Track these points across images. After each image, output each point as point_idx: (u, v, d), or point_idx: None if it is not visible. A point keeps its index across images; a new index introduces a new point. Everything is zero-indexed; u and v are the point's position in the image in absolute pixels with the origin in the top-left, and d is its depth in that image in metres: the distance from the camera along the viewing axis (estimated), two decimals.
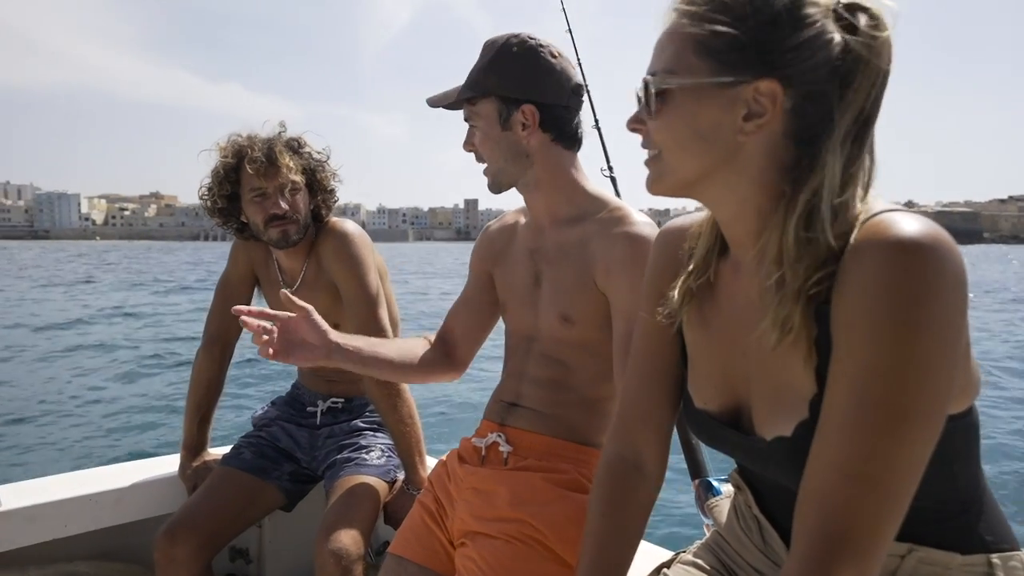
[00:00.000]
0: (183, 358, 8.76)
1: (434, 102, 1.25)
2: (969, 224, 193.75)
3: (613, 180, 1.68)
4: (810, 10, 0.67)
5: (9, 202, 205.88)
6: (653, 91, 0.73)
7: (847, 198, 0.67)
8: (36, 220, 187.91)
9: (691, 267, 0.85)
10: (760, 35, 0.68)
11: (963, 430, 0.73)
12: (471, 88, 1.21)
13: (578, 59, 1.61)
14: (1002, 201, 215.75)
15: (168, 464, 1.83)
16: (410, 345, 1.39)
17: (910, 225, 0.63)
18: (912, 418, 0.62)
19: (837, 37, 0.67)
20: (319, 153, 1.74)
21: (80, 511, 1.63)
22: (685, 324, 0.89)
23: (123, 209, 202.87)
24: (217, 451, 1.86)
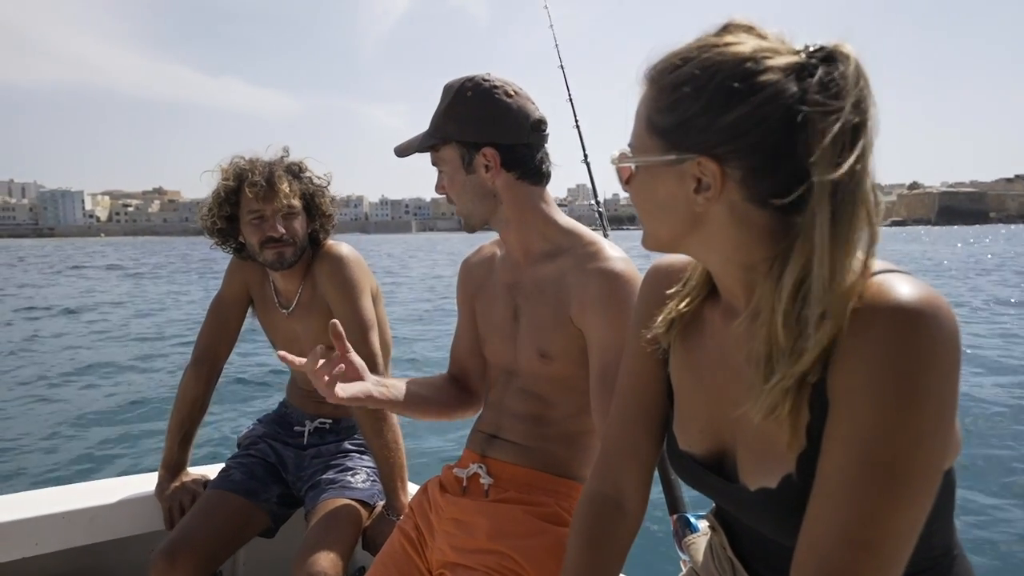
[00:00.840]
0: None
1: (400, 150, 1.27)
2: (975, 204, 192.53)
3: (600, 215, 1.68)
4: (759, 79, 0.66)
5: (13, 200, 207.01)
6: (617, 169, 0.79)
7: (843, 269, 0.64)
8: (41, 218, 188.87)
9: (682, 291, 0.86)
10: (695, 115, 0.69)
11: (942, 489, 0.72)
12: (432, 136, 1.22)
13: (569, 96, 1.61)
14: (1008, 180, 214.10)
15: (144, 483, 1.81)
16: (438, 384, 1.40)
17: (907, 291, 0.63)
18: (912, 483, 0.63)
19: (786, 103, 0.65)
20: (319, 178, 1.76)
21: (52, 529, 1.60)
22: (672, 365, 0.89)
23: (127, 205, 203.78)
24: (196, 470, 1.84)
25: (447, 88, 1.23)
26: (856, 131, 0.64)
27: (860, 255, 0.65)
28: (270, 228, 1.66)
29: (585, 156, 1.69)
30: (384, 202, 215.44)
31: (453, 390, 1.41)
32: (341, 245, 1.75)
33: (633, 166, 0.77)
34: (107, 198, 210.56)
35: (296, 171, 1.72)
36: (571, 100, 1.64)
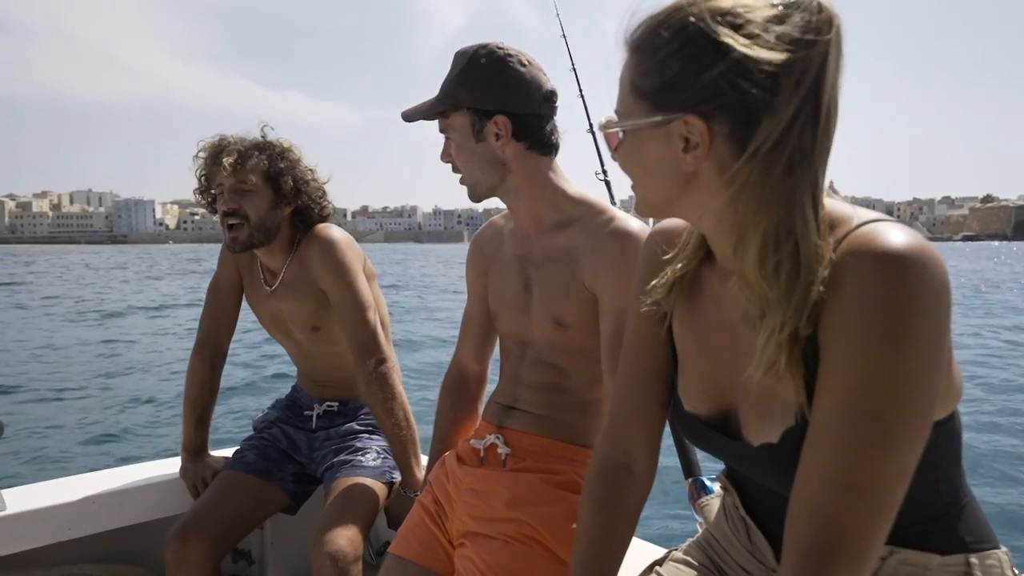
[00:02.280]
0: None
1: (408, 115, 1.26)
2: None
3: (607, 184, 1.68)
4: (736, 33, 0.67)
5: (91, 208, 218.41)
6: (604, 136, 0.79)
7: (804, 214, 0.67)
8: (115, 226, 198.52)
9: (680, 254, 0.86)
10: (678, 74, 0.70)
11: (946, 436, 0.74)
12: (442, 102, 1.22)
13: (572, 65, 1.63)
14: None
15: (170, 466, 1.85)
16: (456, 412, 1.45)
17: (895, 237, 0.64)
18: (900, 428, 0.64)
19: (766, 56, 0.66)
20: (298, 161, 1.72)
21: (83, 514, 1.64)
22: (675, 328, 0.90)
23: (193, 214, 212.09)
24: (218, 453, 1.88)
25: (459, 54, 1.22)
26: (816, 76, 0.66)
27: (811, 199, 0.67)
28: (222, 202, 1.66)
29: (591, 126, 1.68)
30: (437, 212, 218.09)
31: (462, 396, 1.45)
32: (331, 228, 1.74)
33: (620, 132, 0.77)
34: (175, 207, 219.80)
35: (268, 150, 1.68)
36: (575, 70, 1.65)
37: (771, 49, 0.66)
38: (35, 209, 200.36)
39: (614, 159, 0.80)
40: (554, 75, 1.27)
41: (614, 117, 0.78)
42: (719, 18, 0.67)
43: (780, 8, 0.67)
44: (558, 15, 1.88)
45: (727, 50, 0.67)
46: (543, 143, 1.23)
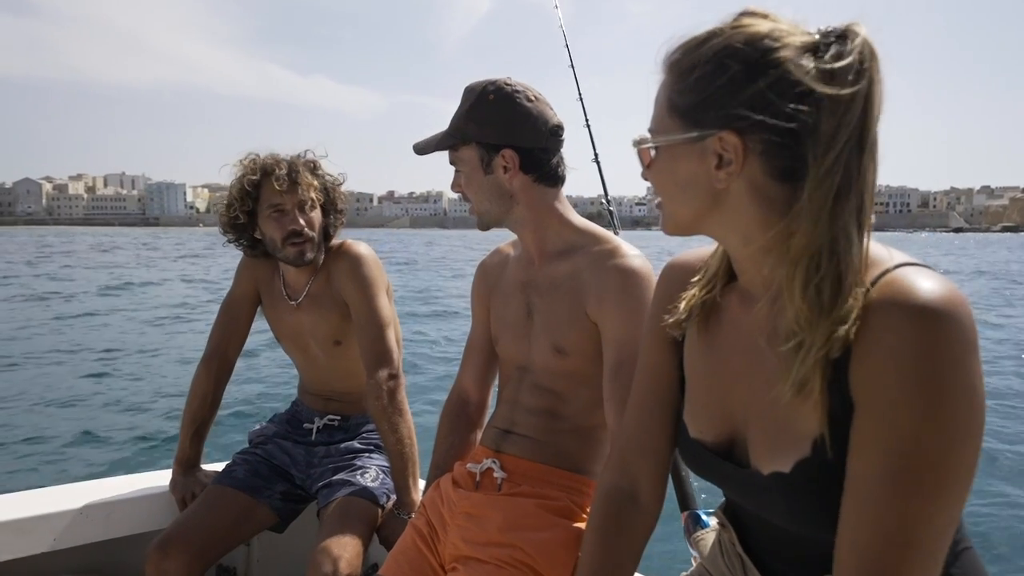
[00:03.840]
0: None
1: (419, 148, 1.31)
2: None
3: (611, 212, 1.70)
4: (773, 56, 0.70)
5: (124, 191, 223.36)
6: (639, 152, 0.81)
7: (848, 240, 0.68)
8: (147, 208, 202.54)
9: (701, 283, 0.87)
10: (715, 92, 0.72)
11: None
12: (452, 136, 1.26)
13: (579, 95, 1.63)
14: None
15: (160, 479, 1.82)
16: (455, 436, 1.46)
17: (929, 288, 0.65)
18: (951, 481, 0.65)
19: (802, 79, 0.68)
20: (331, 176, 1.81)
21: (70, 525, 1.61)
22: (687, 352, 0.90)
23: (223, 198, 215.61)
24: (210, 467, 1.86)
25: (469, 90, 1.27)
26: (863, 106, 0.68)
27: (855, 232, 0.68)
28: (291, 221, 1.69)
29: (596, 155, 1.70)
30: (462, 198, 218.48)
31: (462, 424, 1.46)
32: (359, 244, 1.79)
33: (653, 150, 0.79)
34: (206, 191, 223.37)
35: (312, 167, 1.76)
36: (581, 99, 1.67)
37: (806, 74, 0.68)
38: (71, 191, 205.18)
39: (644, 178, 0.83)
40: (561, 106, 1.30)
41: (647, 136, 0.80)
42: (759, 40, 0.70)
43: (818, 36, 0.70)
44: (567, 45, 1.89)
45: (763, 69, 0.70)
46: (549, 175, 1.27)
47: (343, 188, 1.83)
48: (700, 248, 0.94)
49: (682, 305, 0.88)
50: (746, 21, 0.72)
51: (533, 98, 1.25)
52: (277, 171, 1.68)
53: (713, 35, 0.73)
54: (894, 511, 0.65)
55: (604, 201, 1.67)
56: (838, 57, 0.68)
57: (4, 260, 27.77)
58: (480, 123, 1.23)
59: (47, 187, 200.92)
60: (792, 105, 0.68)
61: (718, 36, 0.73)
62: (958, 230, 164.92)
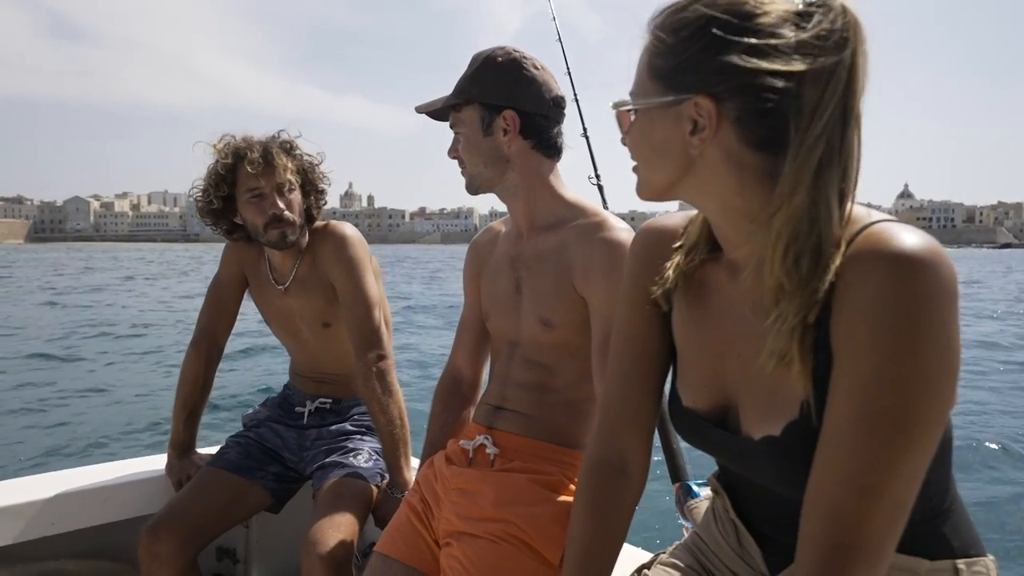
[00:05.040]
0: None
1: (422, 109, 1.30)
2: None
3: (600, 188, 1.70)
4: (753, 22, 0.70)
5: (167, 208, 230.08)
6: (617, 115, 0.81)
7: (829, 209, 0.68)
8: (188, 225, 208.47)
9: (685, 249, 0.86)
10: (692, 55, 0.73)
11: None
12: (456, 96, 1.26)
13: (568, 69, 1.65)
14: None
15: (156, 463, 1.83)
16: (448, 414, 1.46)
17: (908, 239, 0.65)
18: (916, 429, 0.65)
19: (782, 47, 0.68)
20: (309, 156, 1.77)
21: (67, 509, 1.62)
22: (676, 323, 0.90)
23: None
24: (204, 450, 1.86)
25: (476, 55, 1.27)
26: (846, 77, 0.67)
27: (837, 196, 0.68)
28: (271, 205, 1.66)
29: (584, 130, 1.70)
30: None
31: (455, 400, 1.46)
32: (344, 225, 1.77)
33: (633, 113, 0.79)
34: None
35: (288, 148, 1.72)
36: (569, 73, 1.67)
37: (786, 42, 0.68)
38: (117, 209, 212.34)
39: (624, 143, 0.82)
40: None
41: (627, 99, 0.80)
42: (740, 6, 0.70)
43: (800, 5, 0.69)
44: (554, 19, 1.89)
45: (741, 35, 0.69)
46: (548, 144, 1.27)
47: (322, 168, 1.79)
48: (676, 213, 0.93)
49: (669, 273, 0.86)
50: None
51: (539, 66, 1.26)
52: (251, 154, 1.65)
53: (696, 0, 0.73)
54: (859, 456, 0.66)
55: (594, 176, 1.67)
56: (819, 26, 0.67)
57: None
58: (484, 83, 1.24)
59: (95, 205, 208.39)
60: (771, 74, 0.68)
61: (701, 1, 0.72)
62: (1006, 246, 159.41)
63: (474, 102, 1.25)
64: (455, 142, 1.30)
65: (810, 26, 0.68)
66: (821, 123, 0.67)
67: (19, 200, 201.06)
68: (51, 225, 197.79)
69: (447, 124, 1.30)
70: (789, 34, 0.68)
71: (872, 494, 0.65)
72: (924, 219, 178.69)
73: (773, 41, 0.68)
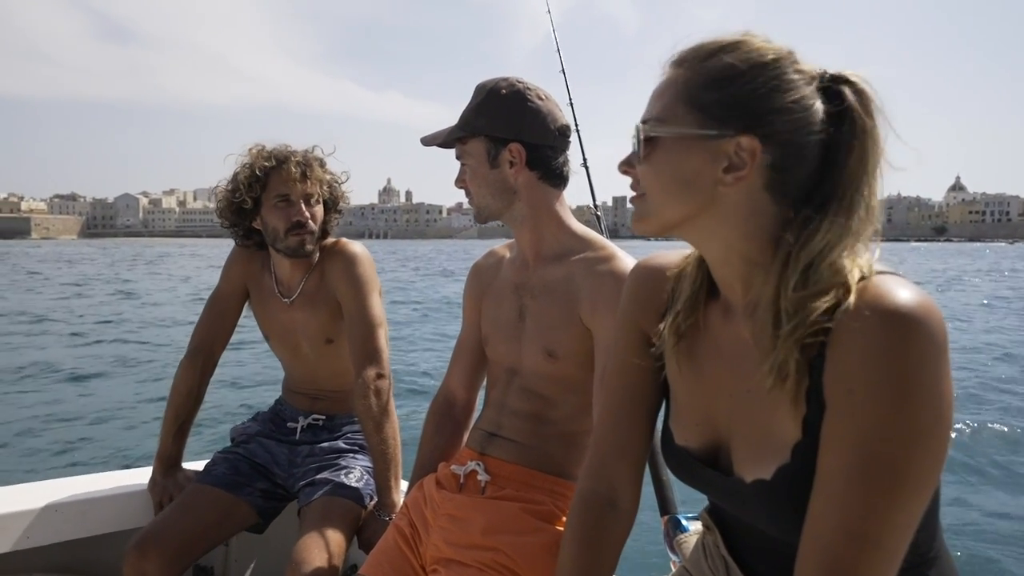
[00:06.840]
0: None
1: (427, 141, 1.32)
2: None
3: (598, 218, 1.70)
4: (794, 77, 0.73)
5: (212, 204, 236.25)
6: (643, 137, 0.79)
7: (841, 256, 0.71)
8: None
9: (679, 307, 0.87)
10: (745, 95, 0.74)
11: None
12: (462, 128, 1.27)
13: (570, 99, 1.64)
14: None
15: (138, 476, 1.78)
16: (440, 437, 1.46)
17: (905, 294, 0.67)
18: (912, 481, 0.66)
19: (818, 104, 0.73)
20: (333, 175, 1.83)
21: (44, 522, 1.58)
22: (669, 362, 0.90)
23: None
24: (191, 465, 1.83)
25: (480, 87, 1.28)
26: (869, 147, 0.72)
27: (849, 248, 0.71)
28: (297, 212, 1.70)
29: (584, 160, 1.69)
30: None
31: (448, 425, 1.46)
32: (354, 244, 1.80)
33: (661, 135, 0.77)
34: None
35: (321, 163, 1.78)
36: (572, 104, 1.66)
37: (816, 107, 0.73)
38: (164, 206, 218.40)
39: (622, 169, 0.81)
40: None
41: (660, 121, 0.78)
42: (784, 60, 0.74)
43: (822, 73, 0.74)
44: (558, 50, 1.87)
45: (790, 87, 0.73)
46: (554, 174, 1.28)
47: (344, 188, 1.85)
48: (669, 252, 0.94)
49: (664, 328, 0.87)
50: (759, 42, 0.75)
51: (544, 97, 1.27)
52: (292, 158, 1.70)
53: (740, 42, 0.75)
54: (854, 506, 0.67)
55: (592, 207, 1.66)
56: (857, 98, 0.72)
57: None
58: (490, 116, 1.24)
59: (144, 201, 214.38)
60: (807, 125, 0.72)
61: (746, 44, 0.75)
62: None
63: (480, 134, 1.26)
64: (461, 172, 1.31)
65: (831, 96, 0.73)
66: (842, 188, 0.71)
67: (73, 197, 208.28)
68: (103, 221, 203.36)
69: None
70: (817, 103, 0.73)
71: (867, 542, 0.66)
72: (977, 212, 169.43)
73: (814, 98, 0.73)
